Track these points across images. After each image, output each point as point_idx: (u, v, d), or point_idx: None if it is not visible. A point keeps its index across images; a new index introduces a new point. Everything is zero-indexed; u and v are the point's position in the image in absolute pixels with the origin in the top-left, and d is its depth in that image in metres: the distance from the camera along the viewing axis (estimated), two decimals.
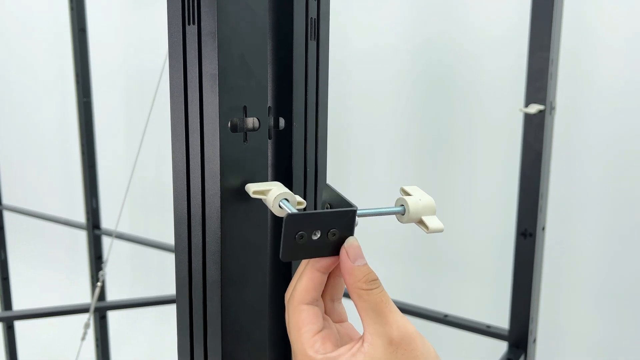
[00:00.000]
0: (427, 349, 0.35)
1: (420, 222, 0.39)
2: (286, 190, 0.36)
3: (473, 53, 1.53)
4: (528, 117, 1.06)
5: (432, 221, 0.39)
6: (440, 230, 0.38)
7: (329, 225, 0.34)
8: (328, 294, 0.39)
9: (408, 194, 0.40)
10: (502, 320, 1.23)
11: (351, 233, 0.36)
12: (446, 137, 1.61)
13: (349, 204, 0.36)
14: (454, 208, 1.63)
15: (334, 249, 0.35)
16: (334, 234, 0.35)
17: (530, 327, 1.12)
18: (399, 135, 1.70)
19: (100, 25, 2.18)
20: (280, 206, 0.35)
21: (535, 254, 1.09)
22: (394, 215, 0.39)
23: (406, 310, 1.34)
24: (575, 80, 1.37)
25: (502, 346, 1.17)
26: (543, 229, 1.11)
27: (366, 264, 0.35)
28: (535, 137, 1.06)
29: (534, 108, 1.04)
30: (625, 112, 1.33)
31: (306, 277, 0.36)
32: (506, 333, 1.16)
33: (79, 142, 1.85)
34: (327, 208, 0.38)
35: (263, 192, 0.36)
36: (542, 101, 1.04)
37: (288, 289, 0.38)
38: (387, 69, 1.67)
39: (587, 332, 1.47)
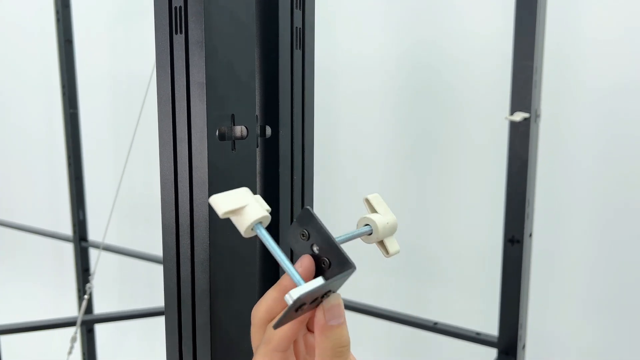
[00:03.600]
0: None
1: (381, 244, 0.38)
2: (263, 213, 0.33)
3: (459, 61, 1.54)
4: (513, 125, 1.07)
5: (392, 245, 0.38)
6: (398, 253, 0.37)
7: (328, 289, 0.32)
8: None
9: (374, 210, 0.38)
10: (491, 327, 1.24)
11: (337, 290, 0.34)
12: (433, 145, 1.62)
13: (342, 257, 0.32)
14: (441, 215, 1.63)
15: (319, 304, 0.34)
16: (328, 295, 0.33)
17: (520, 333, 1.13)
18: (386, 143, 1.70)
19: (86, 37, 2.17)
20: (252, 229, 0.33)
21: (522, 261, 1.10)
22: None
23: (396, 318, 1.34)
24: (560, 87, 1.39)
25: (492, 353, 1.17)
26: (530, 235, 1.12)
27: (342, 323, 0.33)
28: (520, 144, 1.07)
29: (519, 116, 1.05)
30: (610, 118, 1.35)
31: (288, 327, 0.34)
32: (495, 340, 1.16)
33: (65, 153, 1.84)
34: (302, 235, 0.34)
35: (234, 212, 0.32)
36: (527, 109, 1.05)
37: (258, 308, 0.36)
38: (374, 75, 1.69)
39: (576, 338, 1.48)
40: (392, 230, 0.38)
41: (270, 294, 0.36)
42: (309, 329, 0.39)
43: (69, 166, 1.83)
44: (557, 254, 1.45)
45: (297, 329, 0.35)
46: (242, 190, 0.33)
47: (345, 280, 0.33)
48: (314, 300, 0.32)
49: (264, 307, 0.36)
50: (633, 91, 1.31)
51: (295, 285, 0.33)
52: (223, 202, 0.32)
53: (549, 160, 1.40)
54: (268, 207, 0.33)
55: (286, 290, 0.35)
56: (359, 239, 0.38)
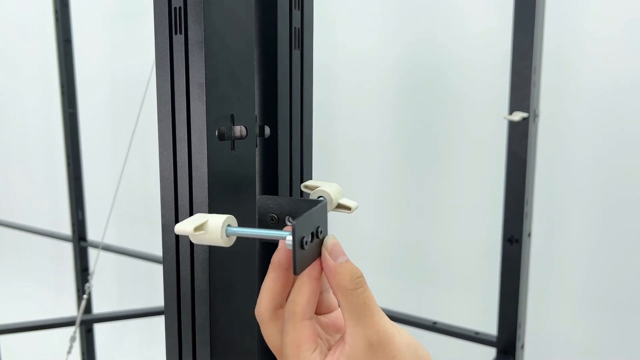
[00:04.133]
0: (406, 344, 0.35)
1: (340, 206, 0.40)
2: (226, 215, 0.34)
3: (458, 60, 1.55)
4: (512, 125, 1.07)
5: (348, 202, 0.40)
6: (357, 206, 0.40)
7: (317, 224, 0.34)
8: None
9: (316, 187, 0.40)
10: (490, 326, 1.24)
11: (327, 229, 0.35)
12: (432, 144, 1.63)
13: (308, 201, 0.35)
14: (440, 215, 1.64)
15: (319, 250, 0.35)
16: (321, 232, 0.34)
17: (518, 332, 1.13)
18: (385, 143, 1.71)
19: (85, 36, 2.17)
20: (227, 235, 0.34)
21: (521, 260, 1.10)
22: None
23: (395, 318, 1.34)
24: (559, 87, 1.39)
25: (491, 352, 1.18)
26: (529, 235, 1.13)
27: (348, 260, 0.34)
28: (519, 144, 1.07)
29: (517, 115, 1.05)
30: (609, 118, 1.35)
31: (307, 289, 0.34)
32: (494, 339, 1.17)
33: (64, 153, 1.84)
34: (272, 220, 0.36)
35: (200, 227, 0.33)
36: (525, 109, 1.06)
37: (260, 302, 0.36)
38: (373, 75, 1.69)
39: (575, 337, 1.48)
40: (341, 192, 0.41)
41: (267, 278, 0.36)
42: (318, 312, 0.39)
43: (68, 166, 1.83)
44: (555, 254, 1.46)
45: (316, 289, 0.35)
46: (197, 215, 0.35)
47: (324, 214, 0.35)
48: (312, 239, 0.33)
49: (264, 297, 0.36)
50: (632, 91, 1.31)
51: (286, 250, 0.35)
52: (188, 224, 0.33)
53: (548, 160, 1.40)
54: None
55: (279, 264, 0.36)
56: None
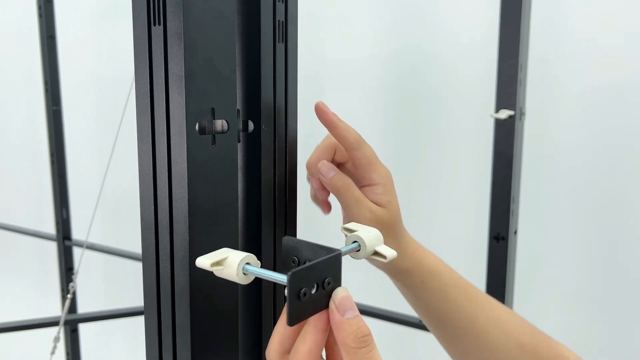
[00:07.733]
0: None
1: (376, 254, 0.39)
2: (246, 254, 0.34)
3: (444, 61, 1.55)
4: (499, 123, 1.07)
5: (386, 250, 0.39)
6: (395, 257, 0.39)
7: (324, 275, 0.32)
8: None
9: (354, 230, 0.40)
10: None
11: (339, 280, 0.34)
12: (418, 143, 1.63)
13: (327, 248, 0.34)
14: (426, 213, 1.64)
15: (327, 302, 0.33)
16: (329, 283, 0.33)
17: None
18: (372, 143, 1.70)
19: (70, 32, 2.14)
20: (244, 273, 0.33)
21: (507, 258, 1.10)
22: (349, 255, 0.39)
23: (385, 316, 1.34)
24: (545, 85, 1.40)
25: None
26: (515, 232, 1.13)
27: (357, 315, 0.33)
28: (505, 142, 1.07)
29: (504, 113, 1.06)
30: (595, 116, 1.36)
31: (310, 339, 0.33)
32: None
33: (48, 151, 1.81)
34: (293, 262, 0.35)
35: (220, 263, 0.34)
36: (512, 107, 1.06)
37: (270, 344, 0.36)
38: (360, 78, 1.68)
39: (561, 336, 1.48)
40: (379, 239, 0.39)
41: (279, 321, 0.36)
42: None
43: (52, 164, 1.81)
44: (542, 251, 1.46)
45: (320, 341, 0.34)
46: (223, 249, 0.36)
47: (338, 266, 0.33)
48: (316, 289, 0.32)
49: (275, 340, 0.35)
50: (617, 89, 1.32)
51: None
52: (207, 258, 0.34)
53: (534, 158, 1.41)
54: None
55: None
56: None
